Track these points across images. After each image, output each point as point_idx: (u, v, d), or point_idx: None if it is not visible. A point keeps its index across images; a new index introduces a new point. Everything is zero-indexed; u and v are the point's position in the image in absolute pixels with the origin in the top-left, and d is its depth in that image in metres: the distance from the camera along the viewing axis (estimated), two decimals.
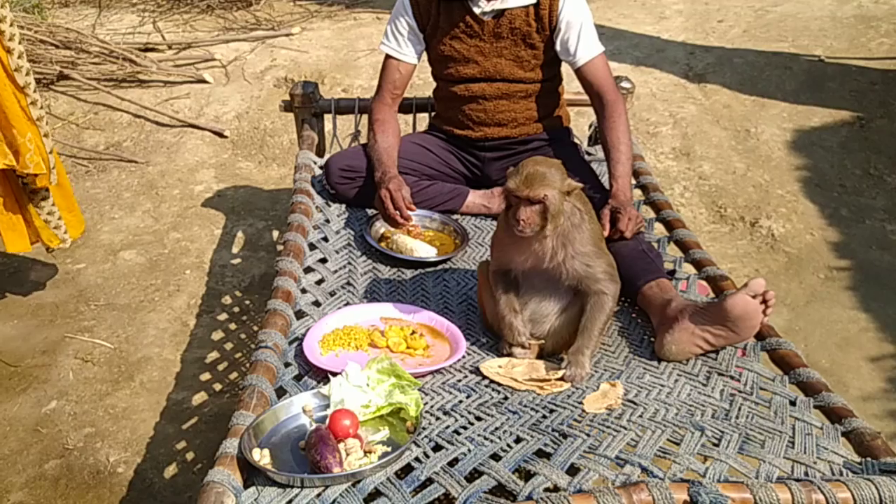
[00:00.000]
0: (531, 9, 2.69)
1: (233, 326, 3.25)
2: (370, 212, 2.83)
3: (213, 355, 3.10)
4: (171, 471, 2.59)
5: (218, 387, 2.94)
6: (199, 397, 2.90)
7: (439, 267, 2.61)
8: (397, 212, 2.61)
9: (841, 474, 1.63)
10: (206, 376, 3.00)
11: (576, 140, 3.12)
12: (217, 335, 3.21)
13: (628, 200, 2.54)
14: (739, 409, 1.88)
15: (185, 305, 3.39)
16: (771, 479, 1.60)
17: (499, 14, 2.71)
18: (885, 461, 1.64)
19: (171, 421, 2.79)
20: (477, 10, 2.71)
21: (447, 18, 2.75)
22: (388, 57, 2.87)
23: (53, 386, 2.96)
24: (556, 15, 2.68)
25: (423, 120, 3.34)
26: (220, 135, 4.69)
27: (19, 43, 2.72)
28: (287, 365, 2.10)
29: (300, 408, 1.91)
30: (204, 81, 5.14)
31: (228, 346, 3.15)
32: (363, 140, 3.12)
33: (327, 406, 1.89)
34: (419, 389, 1.95)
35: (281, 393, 2.00)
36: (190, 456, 2.64)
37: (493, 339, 2.22)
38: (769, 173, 4.08)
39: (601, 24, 5.47)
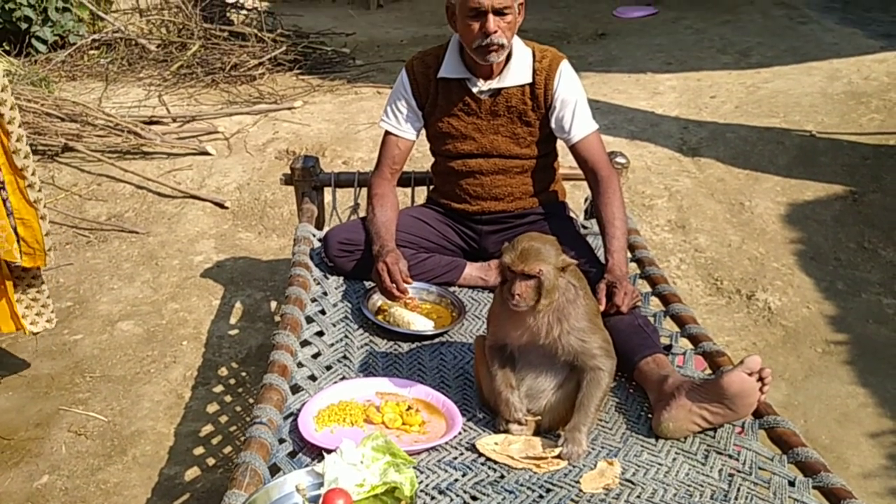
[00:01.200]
0: (527, 88, 2.77)
1: (228, 399, 3.23)
2: (368, 284, 2.85)
3: (208, 428, 3.07)
4: None
5: (211, 461, 2.90)
6: (192, 472, 2.85)
7: (436, 340, 2.61)
8: (394, 285, 2.63)
9: None
10: (199, 450, 2.96)
11: (571, 214, 3.16)
12: (212, 408, 3.18)
13: (624, 275, 2.56)
14: (738, 490, 1.85)
15: (181, 377, 3.37)
16: None
17: (495, 93, 2.78)
18: None
19: (163, 497, 2.74)
20: (474, 90, 2.79)
21: (445, 97, 2.83)
22: (387, 133, 2.93)
23: (46, 460, 2.92)
24: (552, 93, 2.75)
25: (422, 193, 3.39)
26: (221, 206, 4.74)
27: (19, 126, 2.78)
28: (281, 441, 2.08)
29: (293, 486, 1.88)
30: (206, 153, 5.22)
31: (223, 418, 3.12)
32: (362, 213, 3.15)
33: (321, 485, 1.86)
34: (414, 468, 1.93)
35: (275, 470, 1.98)
36: None
37: (490, 414, 2.21)
38: (764, 246, 4.12)
39: (596, 99, 5.60)
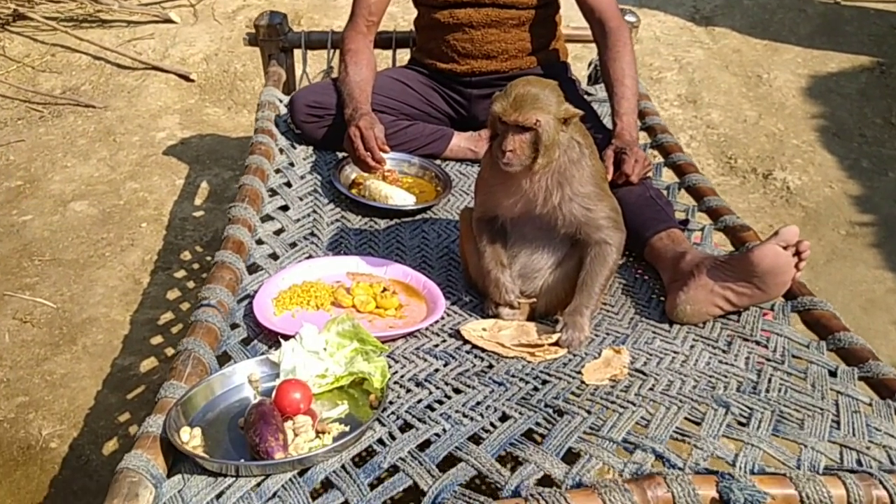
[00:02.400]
0: None
1: (191, 285, 2.93)
2: (340, 155, 2.50)
3: (168, 316, 2.79)
4: (110, 446, 2.28)
5: (170, 351, 2.63)
6: (149, 363, 2.59)
7: (417, 217, 2.29)
8: (368, 153, 2.28)
9: None
10: (157, 339, 2.69)
11: (574, 77, 2.77)
12: (173, 294, 2.90)
13: (634, 140, 2.23)
14: (770, 380, 1.57)
15: (139, 261, 3.07)
16: (817, 468, 1.30)
17: None
18: None
19: (115, 390, 2.48)
20: None
21: None
22: None
23: None
24: None
25: (404, 57, 2.98)
26: (187, 78, 4.35)
27: None
28: (234, 326, 1.79)
29: (244, 378, 1.60)
30: (170, 21, 4.78)
31: (185, 306, 2.83)
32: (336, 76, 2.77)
33: (276, 376, 1.58)
34: (387, 356, 1.64)
35: (225, 359, 1.70)
36: (133, 430, 2.33)
37: (477, 297, 1.92)
38: (783, 122, 3.76)
39: None
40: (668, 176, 2.44)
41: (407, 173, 2.51)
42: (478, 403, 1.52)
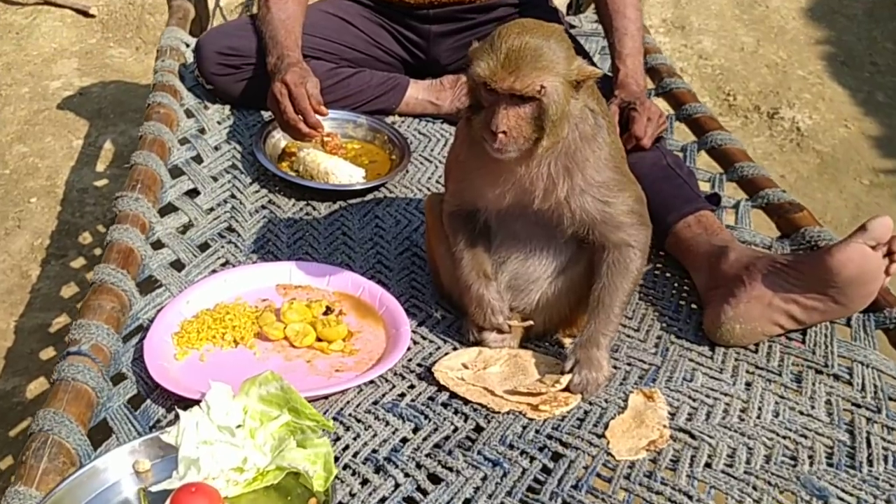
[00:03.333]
0: None
1: (90, 276, 2.38)
2: (266, 116, 1.95)
3: (61, 320, 2.31)
4: None
5: None
6: (37, 386, 2.11)
7: (368, 197, 1.82)
8: (299, 116, 1.75)
9: None
10: (48, 353, 2.21)
11: (555, 7, 2.24)
12: (69, 290, 2.42)
13: (642, 90, 1.77)
14: (869, 442, 1.13)
15: (27, 248, 2.57)
16: None
17: None
18: None
19: None
20: None
21: None
22: None
23: None
24: None
25: None
26: (86, 14, 3.76)
27: None
28: (119, 379, 1.29)
29: (126, 469, 1.12)
30: None
31: None
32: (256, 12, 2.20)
33: (173, 466, 1.09)
34: (334, 417, 1.18)
35: (103, 433, 1.20)
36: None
37: (452, 312, 1.44)
38: (784, 50, 3.35)
39: None
40: (680, 134, 1.95)
41: (353, 137, 2.03)
42: (467, 503, 1.06)
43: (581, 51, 2.03)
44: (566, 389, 1.28)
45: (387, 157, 1.98)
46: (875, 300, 1.35)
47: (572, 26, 2.43)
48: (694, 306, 1.47)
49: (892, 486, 1.06)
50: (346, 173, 1.83)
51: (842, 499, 1.04)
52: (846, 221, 2.60)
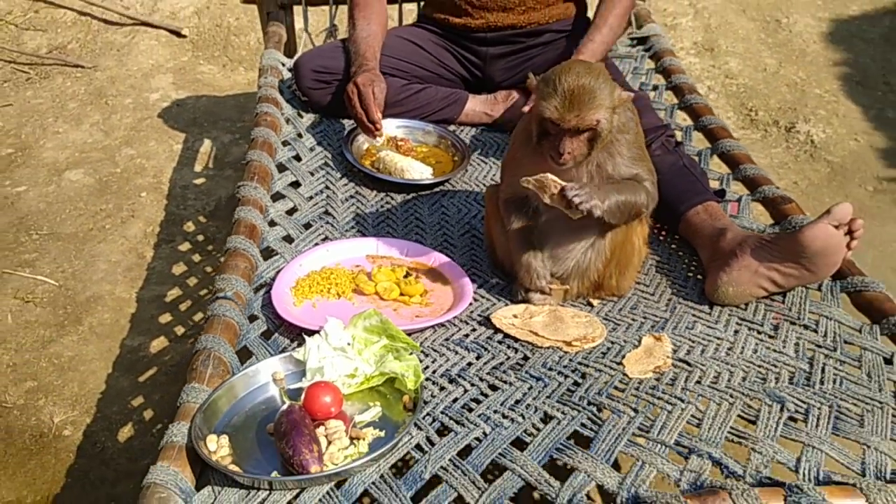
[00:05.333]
0: None
1: (196, 258, 2.83)
2: (351, 124, 2.36)
3: (174, 293, 2.69)
4: (125, 432, 2.21)
5: (180, 330, 2.54)
6: (158, 343, 2.50)
7: (436, 190, 2.18)
8: (364, 112, 2.15)
9: None
10: (165, 318, 2.59)
11: None
12: (178, 268, 2.79)
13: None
14: (823, 370, 1.49)
15: (141, 234, 2.95)
16: (884, 474, 1.22)
17: None
18: None
19: (126, 372, 2.40)
20: None
21: None
22: None
23: None
24: None
25: (411, 15, 2.82)
26: (178, 34, 4.15)
27: None
28: (252, 319, 1.70)
29: (268, 377, 1.52)
30: None
31: (192, 281, 2.73)
32: (342, 37, 2.61)
33: (302, 374, 1.49)
34: (417, 349, 1.55)
35: (245, 355, 1.60)
36: (148, 414, 2.26)
37: (504, 279, 1.82)
38: (804, 70, 3.62)
39: None
40: (698, 140, 2.32)
41: (422, 142, 2.39)
42: (517, 402, 1.44)
43: (615, 72, 2.41)
44: (562, 192, 1.57)
45: (450, 158, 2.35)
46: (840, 269, 1.69)
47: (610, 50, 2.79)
48: (700, 277, 1.83)
49: (836, 398, 1.41)
50: (417, 171, 2.19)
51: (796, 405, 1.40)
52: None
